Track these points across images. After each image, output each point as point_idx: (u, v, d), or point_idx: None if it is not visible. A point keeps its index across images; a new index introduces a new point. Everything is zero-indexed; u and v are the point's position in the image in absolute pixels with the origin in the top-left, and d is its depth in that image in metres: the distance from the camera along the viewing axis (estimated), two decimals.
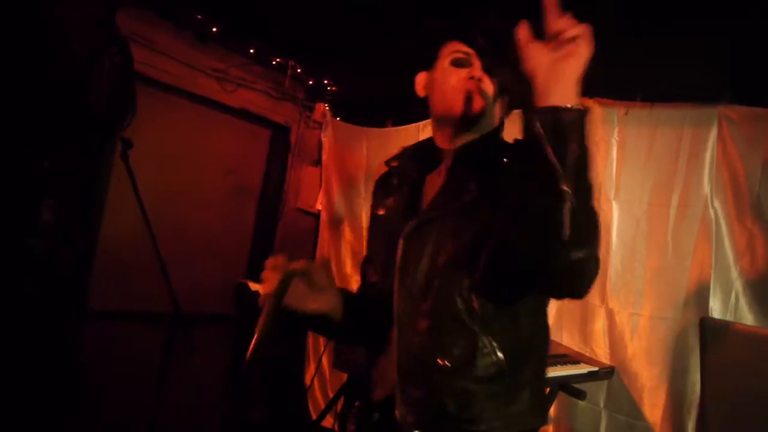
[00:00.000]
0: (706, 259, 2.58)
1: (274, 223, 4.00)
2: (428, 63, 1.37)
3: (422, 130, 3.59)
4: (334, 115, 4.10)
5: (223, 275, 3.72)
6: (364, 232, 3.84)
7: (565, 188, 0.90)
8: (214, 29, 3.19)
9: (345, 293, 1.36)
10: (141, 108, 2.96)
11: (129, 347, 3.08)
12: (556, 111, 0.93)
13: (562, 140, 0.92)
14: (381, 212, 1.43)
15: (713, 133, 2.62)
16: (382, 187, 1.46)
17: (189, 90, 3.38)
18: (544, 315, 1.30)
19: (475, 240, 1.15)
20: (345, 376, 3.56)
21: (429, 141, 1.40)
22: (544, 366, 1.33)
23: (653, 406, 2.60)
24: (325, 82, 3.85)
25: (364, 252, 1.54)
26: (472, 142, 1.31)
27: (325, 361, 3.81)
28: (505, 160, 1.20)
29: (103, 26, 2.86)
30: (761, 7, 2.14)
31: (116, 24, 2.89)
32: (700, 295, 2.55)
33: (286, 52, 3.56)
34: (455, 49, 1.31)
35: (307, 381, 3.76)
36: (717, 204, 2.59)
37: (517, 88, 1.29)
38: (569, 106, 0.93)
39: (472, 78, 1.26)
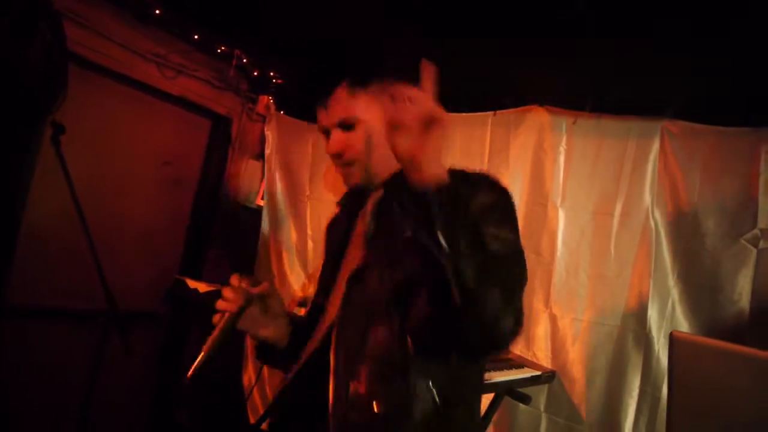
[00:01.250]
0: (645, 267, 2.66)
1: (212, 218, 3.84)
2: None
3: None
4: (278, 109, 3.98)
5: (156, 271, 3.54)
6: (309, 231, 3.78)
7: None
8: (157, 11, 3.01)
9: (293, 321, 1.38)
10: (72, 91, 2.76)
11: (52, 347, 2.87)
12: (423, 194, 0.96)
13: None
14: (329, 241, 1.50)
15: (656, 146, 2.71)
16: (332, 225, 1.54)
17: (126, 74, 3.19)
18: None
19: (408, 285, 1.12)
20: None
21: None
22: (479, 397, 1.35)
23: (592, 410, 2.67)
24: (271, 74, 3.73)
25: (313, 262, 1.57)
26: (397, 176, 1.23)
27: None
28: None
29: None
30: (704, 29, 2.23)
31: None
32: (640, 303, 2.64)
33: (231, 40, 3.41)
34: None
35: (245, 382, 3.63)
36: (657, 214, 2.68)
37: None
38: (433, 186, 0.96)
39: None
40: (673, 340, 1.20)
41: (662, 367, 2.56)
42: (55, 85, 2.77)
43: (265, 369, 3.66)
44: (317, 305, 1.38)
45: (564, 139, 2.87)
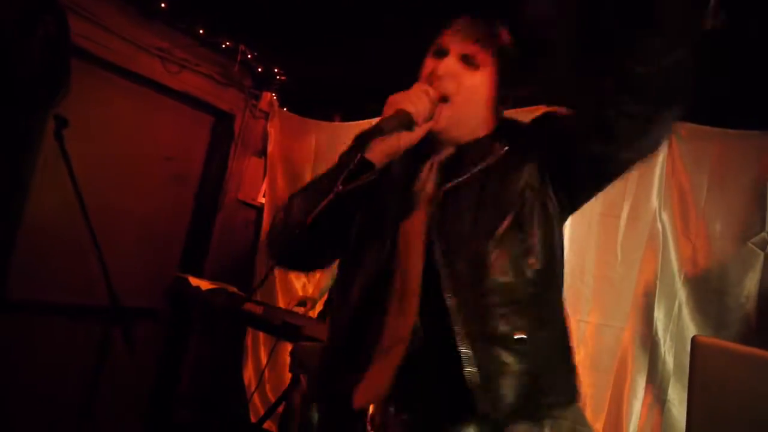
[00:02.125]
0: (652, 269, 2.65)
1: (213, 215, 3.80)
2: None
3: None
4: (281, 106, 3.95)
5: (156, 267, 3.51)
6: None
7: None
8: (162, 5, 2.98)
9: None
10: (75, 84, 2.73)
11: (52, 342, 2.84)
12: None
13: None
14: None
15: (663, 149, 2.70)
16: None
17: (129, 68, 3.16)
18: None
19: (523, 189, 1.13)
20: (287, 379, 3.46)
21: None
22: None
23: (596, 412, 2.65)
24: (275, 70, 3.70)
25: None
26: (476, 142, 1.24)
27: (264, 362, 3.67)
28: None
29: None
30: (710, 32, 2.21)
31: None
32: (646, 305, 2.63)
33: (236, 35, 3.39)
34: (438, 41, 1.28)
35: (246, 382, 3.61)
36: (665, 217, 2.67)
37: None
38: None
39: (431, 74, 1.22)
40: (695, 345, 1.19)
41: (668, 369, 2.55)
42: (58, 78, 2.74)
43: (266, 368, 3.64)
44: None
45: None
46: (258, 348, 3.72)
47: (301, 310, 3.11)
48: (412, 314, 1.13)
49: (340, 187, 1.14)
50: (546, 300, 1.14)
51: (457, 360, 1.06)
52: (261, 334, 3.75)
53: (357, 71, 3.41)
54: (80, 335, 2.78)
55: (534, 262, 1.11)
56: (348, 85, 3.63)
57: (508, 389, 1.06)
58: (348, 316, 1.22)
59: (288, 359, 3.58)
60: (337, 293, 1.33)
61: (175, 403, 3.45)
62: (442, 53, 1.25)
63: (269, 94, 3.89)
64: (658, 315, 2.59)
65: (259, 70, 3.68)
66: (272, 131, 3.89)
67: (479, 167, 1.17)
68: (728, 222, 2.54)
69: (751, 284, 2.46)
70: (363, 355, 1.19)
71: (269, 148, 3.90)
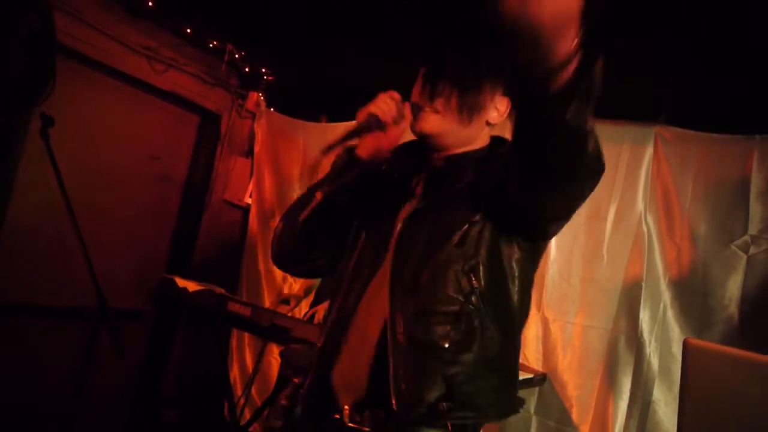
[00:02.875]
0: (637, 271, 2.69)
1: (199, 215, 3.77)
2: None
3: None
4: (269, 106, 3.93)
5: (141, 268, 3.48)
6: None
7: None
8: (150, 3, 2.95)
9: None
10: (60, 82, 2.69)
11: (36, 344, 2.80)
12: None
13: None
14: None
15: (649, 152, 2.74)
16: (376, 176, 1.40)
17: (115, 67, 3.10)
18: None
19: (471, 215, 1.18)
20: (274, 380, 3.44)
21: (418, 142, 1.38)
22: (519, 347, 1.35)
23: (582, 413, 2.68)
24: (263, 70, 3.68)
25: None
26: (462, 155, 1.31)
27: (249, 363, 3.65)
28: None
29: None
30: (698, 39, 2.25)
31: None
32: (632, 306, 2.66)
33: (223, 35, 3.36)
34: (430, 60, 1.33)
35: (232, 383, 3.58)
36: (650, 219, 2.71)
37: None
38: None
39: (423, 89, 1.28)
40: (687, 347, 1.21)
41: (653, 370, 2.59)
42: (42, 76, 2.70)
43: (250, 369, 3.62)
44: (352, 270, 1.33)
45: None
46: (243, 349, 3.70)
47: (285, 308, 3.10)
48: (381, 314, 1.20)
49: (327, 190, 1.29)
50: (486, 318, 1.17)
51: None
52: (246, 336, 3.73)
53: (343, 72, 3.41)
54: (66, 337, 2.74)
55: (476, 283, 1.16)
56: (334, 86, 3.63)
57: (426, 393, 1.12)
58: (335, 316, 1.28)
59: (273, 361, 3.58)
60: (334, 291, 1.36)
61: (161, 404, 3.42)
62: (427, 75, 1.30)
63: (256, 94, 3.87)
64: (644, 317, 2.63)
65: (246, 70, 3.66)
66: (259, 131, 3.87)
67: (442, 192, 1.25)
68: (712, 224, 2.58)
69: (734, 286, 2.51)
70: (341, 354, 1.25)
71: (256, 149, 3.88)
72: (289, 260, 1.43)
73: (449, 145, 1.31)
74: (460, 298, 1.15)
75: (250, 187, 3.91)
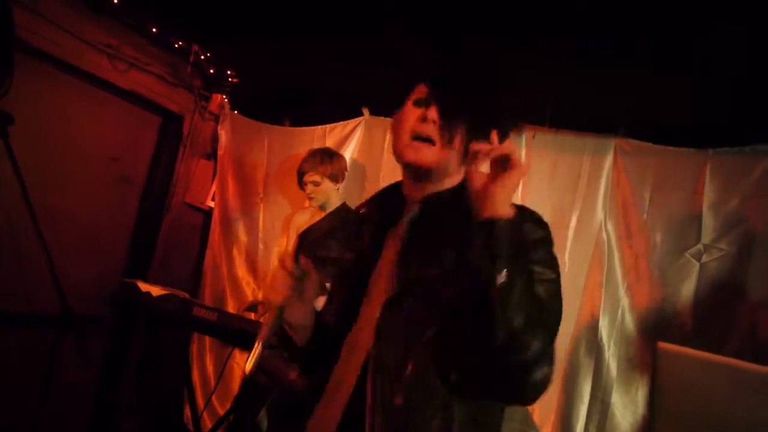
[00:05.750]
0: (597, 278, 2.78)
1: (159, 218, 3.69)
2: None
3: (329, 134, 3.53)
4: (232, 108, 3.89)
5: (99, 272, 3.37)
6: (261, 234, 3.70)
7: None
8: (114, 0, 2.88)
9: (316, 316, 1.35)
10: (17, 79, 2.59)
11: None
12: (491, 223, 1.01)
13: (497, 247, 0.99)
14: (347, 257, 1.39)
15: (609, 162, 2.84)
16: (354, 234, 1.40)
17: (75, 64, 3.02)
18: None
19: (449, 314, 1.11)
20: (235, 387, 3.39)
21: (396, 186, 1.36)
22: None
23: (545, 415, 2.75)
24: (228, 72, 3.64)
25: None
26: (437, 195, 1.27)
27: (210, 369, 3.59)
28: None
29: None
30: (661, 54, 2.36)
31: None
32: (592, 312, 2.75)
33: (189, 35, 3.31)
34: (421, 89, 1.29)
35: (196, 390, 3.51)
36: (610, 227, 2.81)
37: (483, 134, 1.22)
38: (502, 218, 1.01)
39: (424, 120, 1.22)
40: (659, 352, 1.26)
41: (612, 374, 2.68)
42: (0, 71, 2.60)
43: (212, 376, 3.56)
44: (333, 327, 1.32)
45: (523, 152, 2.96)
46: (204, 355, 3.64)
47: (251, 315, 3.06)
48: (356, 367, 1.19)
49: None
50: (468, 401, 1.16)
51: None
52: (207, 341, 3.67)
53: (308, 76, 3.41)
54: (23, 345, 2.63)
55: (453, 377, 1.12)
56: (298, 89, 3.63)
57: None
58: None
59: (235, 366, 3.53)
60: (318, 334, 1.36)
61: (120, 413, 3.33)
62: (422, 102, 1.26)
63: (219, 96, 3.82)
64: (603, 322, 2.72)
65: (211, 71, 3.61)
66: (223, 134, 3.82)
67: (422, 277, 1.18)
68: (668, 233, 2.69)
69: (687, 292, 2.62)
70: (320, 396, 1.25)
71: (220, 151, 3.83)
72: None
73: (434, 178, 1.27)
74: (443, 391, 1.11)
75: (213, 190, 3.85)
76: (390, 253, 1.26)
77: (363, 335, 1.21)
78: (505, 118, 1.26)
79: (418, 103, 1.26)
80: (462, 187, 1.22)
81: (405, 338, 1.14)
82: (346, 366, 1.22)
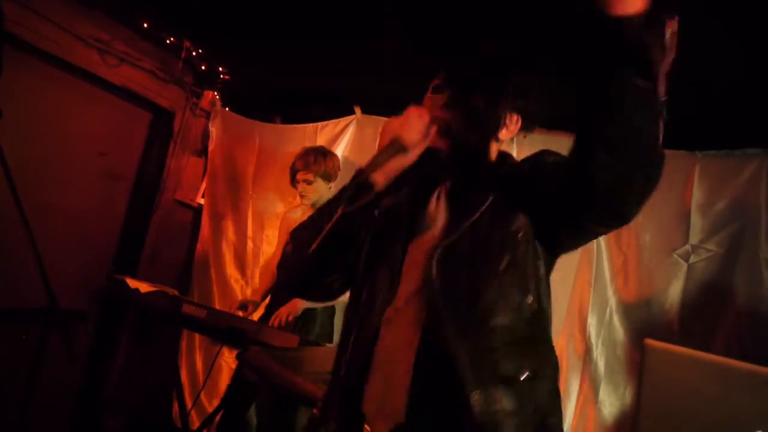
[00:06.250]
0: (586, 278, 2.80)
1: (149, 215, 3.67)
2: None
3: (320, 132, 3.53)
4: (224, 105, 3.87)
5: (87, 268, 3.35)
6: (250, 231, 3.69)
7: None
8: None
9: None
10: (6, 73, 2.57)
11: None
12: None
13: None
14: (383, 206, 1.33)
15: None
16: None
17: (65, 59, 2.99)
18: None
19: (510, 237, 1.14)
20: (224, 385, 3.38)
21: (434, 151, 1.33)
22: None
23: None
24: (220, 69, 3.63)
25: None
26: (475, 167, 1.29)
27: (199, 366, 3.58)
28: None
29: None
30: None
31: None
32: (580, 311, 2.77)
33: (181, 31, 3.29)
34: (438, 78, 1.33)
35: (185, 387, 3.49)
36: None
37: (498, 119, 1.28)
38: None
39: (440, 110, 1.25)
40: (647, 348, 1.28)
41: (599, 372, 2.70)
42: None
43: (201, 373, 3.55)
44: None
45: (515, 151, 2.96)
46: (193, 352, 3.62)
47: (242, 313, 3.06)
48: (415, 342, 1.15)
49: (343, 210, 1.21)
50: (542, 338, 1.19)
51: (462, 403, 1.06)
52: (196, 337, 3.65)
53: (300, 74, 3.40)
54: (9, 340, 2.61)
55: (532, 302, 1.15)
56: (290, 87, 3.62)
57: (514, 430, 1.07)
58: (365, 336, 1.23)
59: (224, 365, 3.52)
60: (349, 314, 1.32)
61: (105, 410, 3.30)
62: (440, 89, 1.30)
63: (211, 92, 3.81)
64: (591, 321, 2.74)
65: (203, 67, 3.59)
66: (214, 130, 3.81)
67: (471, 220, 1.19)
68: (656, 234, 2.72)
69: (675, 292, 2.65)
70: (369, 382, 1.21)
71: (210, 148, 3.81)
72: (303, 285, 1.41)
73: (462, 160, 1.29)
74: (520, 324, 1.12)
75: (203, 187, 3.84)
76: (434, 211, 1.27)
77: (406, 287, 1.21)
78: (526, 100, 1.29)
79: (435, 90, 1.30)
80: (497, 163, 1.30)
81: (474, 274, 1.14)
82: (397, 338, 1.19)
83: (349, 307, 1.32)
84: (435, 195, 1.30)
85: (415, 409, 1.11)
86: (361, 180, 1.21)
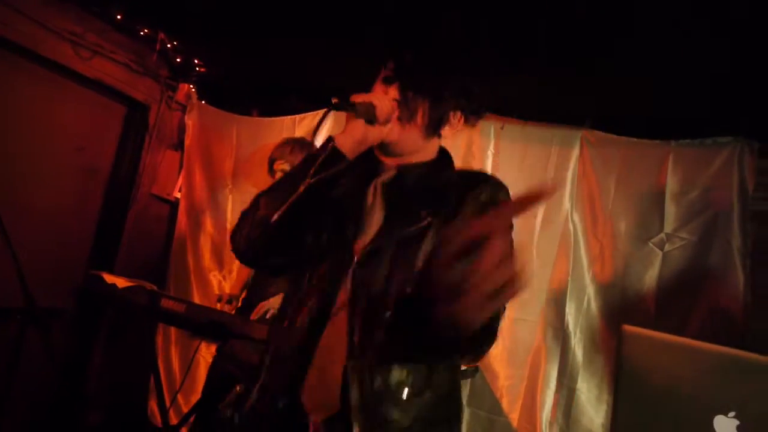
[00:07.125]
0: (564, 267, 2.84)
1: (125, 209, 3.62)
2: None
3: (298, 124, 3.51)
4: (200, 98, 3.83)
5: (62, 264, 3.30)
6: (228, 225, 3.66)
7: None
8: None
9: None
10: None
11: None
12: None
13: None
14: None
15: (575, 153, 2.90)
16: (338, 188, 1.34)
17: (37, 52, 2.93)
18: None
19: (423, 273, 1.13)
20: (201, 380, 3.36)
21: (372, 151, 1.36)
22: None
23: (512, 403, 2.80)
24: (195, 61, 3.58)
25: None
26: (413, 166, 1.31)
27: (175, 361, 3.55)
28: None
29: None
30: (622, 51, 2.41)
31: None
32: (559, 300, 2.81)
33: (155, 22, 3.24)
34: (390, 68, 1.33)
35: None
36: (576, 217, 2.86)
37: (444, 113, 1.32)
38: None
39: (394, 100, 1.27)
40: (623, 334, 1.30)
41: (577, 360, 2.74)
42: None
43: (177, 369, 3.52)
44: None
45: (492, 143, 3.00)
46: (169, 348, 3.59)
47: (226, 307, 3.04)
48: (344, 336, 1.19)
49: (311, 180, 1.21)
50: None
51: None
52: (172, 332, 3.62)
53: (276, 67, 3.38)
54: None
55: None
56: (267, 80, 3.59)
57: None
58: (302, 325, 1.25)
59: (201, 360, 3.50)
60: (291, 299, 1.32)
61: (85, 406, 3.27)
62: (390, 80, 1.31)
63: (186, 85, 3.76)
64: (569, 310, 2.78)
65: (178, 60, 3.55)
66: (190, 123, 3.77)
67: (403, 234, 1.22)
68: (632, 223, 2.77)
69: (650, 280, 2.70)
70: (308, 373, 1.23)
71: (187, 142, 3.77)
72: (258, 254, 1.33)
73: (403, 153, 1.32)
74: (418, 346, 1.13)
75: (180, 181, 3.79)
76: (371, 207, 1.29)
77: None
78: (469, 99, 1.32)
79: (385, 81, 1.31)
80: (438, 162, 1.33)
81: (384, 289, 1.18)
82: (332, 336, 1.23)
83: (293, 293, 1.32)
84: (372, 188, 1.32)
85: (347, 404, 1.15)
86: (331, 146, 1.23)
